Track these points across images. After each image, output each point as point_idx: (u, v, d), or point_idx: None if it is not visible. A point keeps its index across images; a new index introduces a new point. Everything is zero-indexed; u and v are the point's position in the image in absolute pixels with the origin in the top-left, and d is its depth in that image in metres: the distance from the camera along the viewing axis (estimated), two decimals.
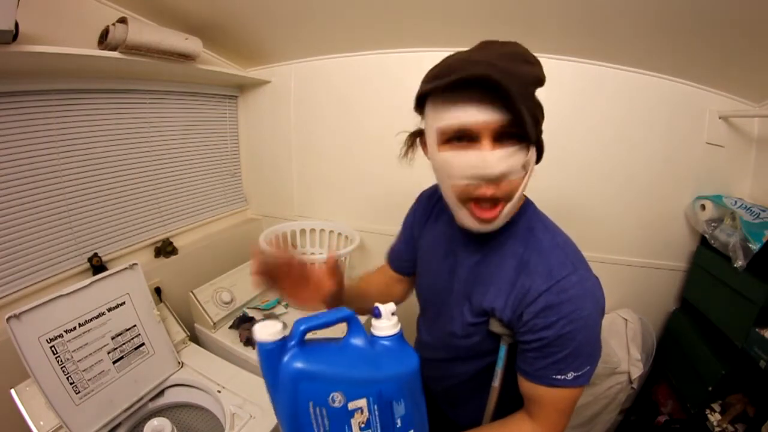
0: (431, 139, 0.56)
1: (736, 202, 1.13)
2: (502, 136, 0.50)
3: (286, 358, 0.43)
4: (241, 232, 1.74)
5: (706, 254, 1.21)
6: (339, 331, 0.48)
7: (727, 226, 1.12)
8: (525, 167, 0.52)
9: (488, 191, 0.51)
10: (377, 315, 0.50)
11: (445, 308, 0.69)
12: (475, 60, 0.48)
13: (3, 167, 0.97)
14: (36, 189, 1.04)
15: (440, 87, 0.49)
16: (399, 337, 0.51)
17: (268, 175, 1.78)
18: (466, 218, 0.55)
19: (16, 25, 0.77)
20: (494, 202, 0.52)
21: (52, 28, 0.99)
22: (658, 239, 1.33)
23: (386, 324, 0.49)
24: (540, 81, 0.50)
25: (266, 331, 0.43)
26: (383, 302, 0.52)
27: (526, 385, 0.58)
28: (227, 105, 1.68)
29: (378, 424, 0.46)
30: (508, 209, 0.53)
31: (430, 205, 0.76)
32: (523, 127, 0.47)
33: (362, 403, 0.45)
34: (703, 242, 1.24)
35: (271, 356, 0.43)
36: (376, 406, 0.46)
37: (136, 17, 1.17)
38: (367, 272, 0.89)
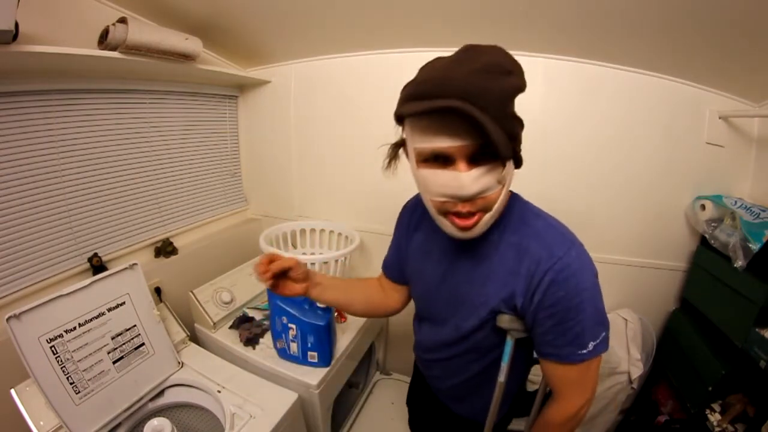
0: (411, 155, 0.58)
1: (736, 202, 1.13)
2: (476, 156, 0.51)
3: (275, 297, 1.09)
4: (241, 232, 1.74)
5: (706, 254, 1.21)
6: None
7: (727, 226, 1.12)
8: (501, 181, 0.54)
9: (464, 208, 0.54)
10: None
11: (442, 313, 0.70)
12: (452, 78, 0.48)
13: (3, 167, 0.97)
14: (36, 189, 1.04)
15: (418, 112, 0.49)
16: (325, 308, 1.08)
17: (268, 175, 1.78)
18: (447, 227, 0.58)
19: (16, 25, 0.77)
20: (473, 213, 0.55)
21: (52, 28, 0.99)
22: (658, 239, 1.33)
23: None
24: (519, 89, 0.51)
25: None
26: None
27: (552, 368, 0.62)
28: (227, 105, 1.68)
29: (299, 339, 1.07)
30: (487, 218, 0.56)
31: (414, 217, 0.78)
32: (496, 149, 0.48)
33: (293, 326, 1.06)
34: (703, 242, 1.24)
35: (270, 293, 1.07)
36: (299, 332, 1.06)
37: (136, 17, 1.17)
38: (370, 277, 0.93)
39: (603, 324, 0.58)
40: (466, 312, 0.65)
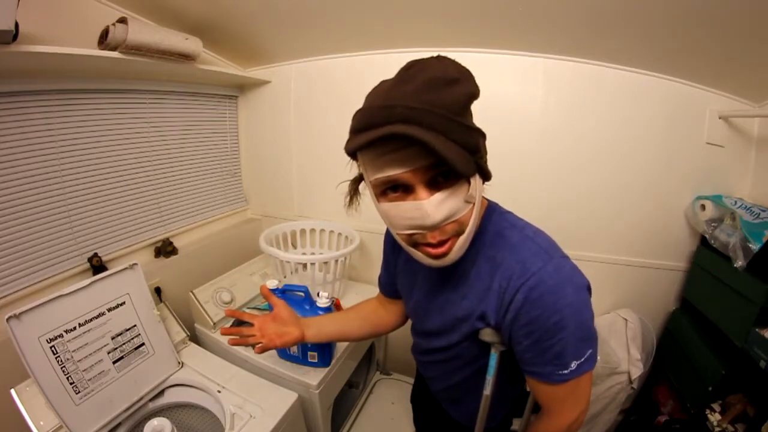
0: (369, 190, 0.55)
1: (736, 202, 1.13)
2: (435, 180, 0.48)
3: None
4: (241, 232, 1.74)
5: (706, 254, 1.21)
6: None
7: (727, 226, 1.12)
8: (470, 200, 0.50)
9: (434, 239, 0.51)
10: (318, 295, 1.06)
11: (432, 327, 0.71)
12: (394, 101, 0.46)
13: (3, 167, 0.97)
14: (36, 189, 1.04)
15: (362, 145, 0.47)
16: (326, 308, 1.05)
17: (268, 175, 1.78)
18: (421, 258, 0.55)
19: (16, 25, 0.77)
20: (445, 241, 0.52)
21: (52, 28, 0.99)
22: (658, 239, 1.33)
23: (321, 301, 1.05)
24: (471, 95, 0.48)
25: (271, 283, 1.05)
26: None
27: (537, 386, 0.59)
28: (227, 105, 1.68)
29: None
30: (461, 241, 0.52)
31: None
32: (453, 168, 0.44)
33: None
34: (703, 242, 1.24)
35: (271, 290, 0.97)
36: None
37: (136, 17, 1.17)
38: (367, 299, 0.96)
39: (588, 340, 0.53)
40: (450, 328, 0.66)
